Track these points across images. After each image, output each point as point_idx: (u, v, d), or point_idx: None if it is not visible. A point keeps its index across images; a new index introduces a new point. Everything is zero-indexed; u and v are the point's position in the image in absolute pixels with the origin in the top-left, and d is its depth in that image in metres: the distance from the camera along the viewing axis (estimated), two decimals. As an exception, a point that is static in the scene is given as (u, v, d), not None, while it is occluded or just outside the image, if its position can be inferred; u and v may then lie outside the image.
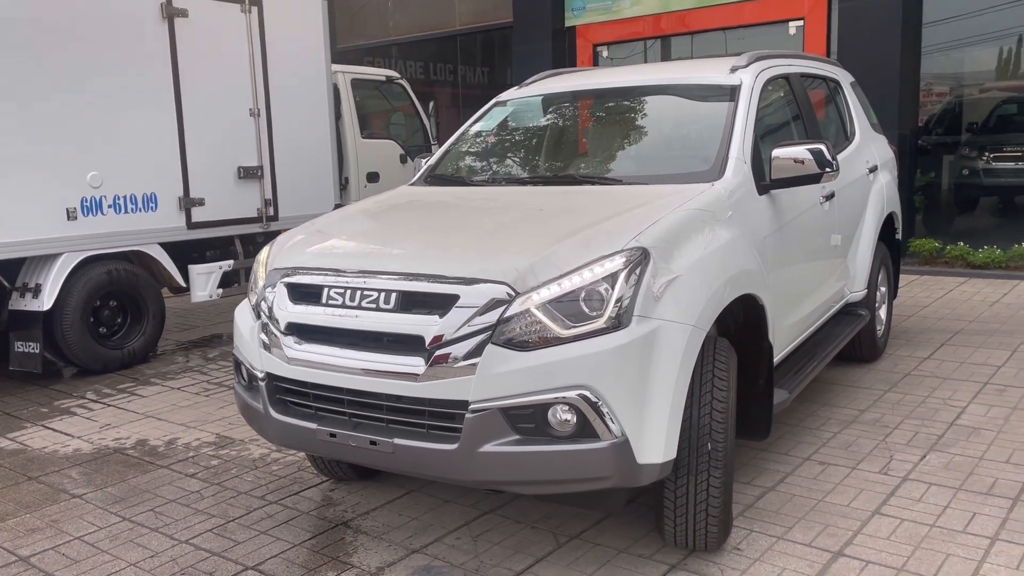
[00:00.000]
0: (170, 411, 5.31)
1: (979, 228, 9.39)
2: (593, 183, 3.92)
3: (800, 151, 3.68)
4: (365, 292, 3.00)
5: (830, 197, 4.53)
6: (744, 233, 3.47)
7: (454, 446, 2.80)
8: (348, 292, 3.04)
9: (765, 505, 3.62)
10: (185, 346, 7.09)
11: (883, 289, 5.72)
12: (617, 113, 4.50)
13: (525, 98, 4.80)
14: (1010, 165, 9.08)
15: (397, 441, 2.89)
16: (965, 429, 4.39)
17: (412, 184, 4.52)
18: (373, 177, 9.32)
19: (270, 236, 6.67)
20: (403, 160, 9.54)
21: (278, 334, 3.17)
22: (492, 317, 2.78)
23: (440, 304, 2.86)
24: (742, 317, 3.49)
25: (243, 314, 3.49)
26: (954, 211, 9.59)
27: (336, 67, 8.76)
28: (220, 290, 6.90)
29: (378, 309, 2.96)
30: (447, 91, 13.82)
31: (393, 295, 2.95)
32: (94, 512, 3.86)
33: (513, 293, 2.79)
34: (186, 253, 6.83)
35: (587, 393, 2.70)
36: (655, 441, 2.78)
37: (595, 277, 2.81)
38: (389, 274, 3.01)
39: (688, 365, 2.88)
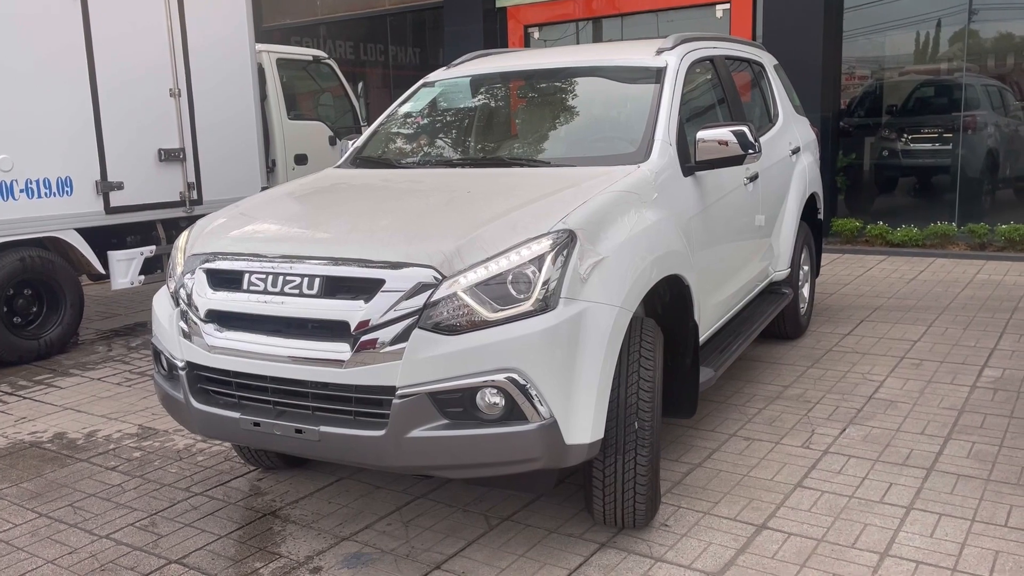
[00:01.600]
0: (90, 402, 5.13)
1: (898, 208, 9.72)
2: (521, 165, 3.91)
3: (724, 133, 3.72)
4: (288, 277, 2.94)
5: (754, 178, 4.61)
6: (670, 214, 3.51)
7: (382, 432, 2.77)
8: (270, 278, 2.98)
9: (692, 481, 3.68)
10: (106, 335, 6.86)
11: (806, 268, 5.87)
12: (544, 95, 4.49)
13: (453, 79, 4.75)
14: (927, 146, 9.40)
15: (323, 429, 2.85)
16: (883, 402, 4.54)
17: (338, 167, 4.43)
18: (301, 159, 9.13)
19: (194, 220, 6.45)
20: (332, 142, 9.37)
21: (198, 322, 3.09)
22: (419, 301, 2.75)
23: (365, 289, 2.82)
24: (668, 297, 3.53)
25: (162, 301, 3.39)
26: (874, 191, 9.90)
27: (261, 46, 8.53)
28: (142, 277, 6.68)
29: (301, 295, 2.90)
30: (377, 72, 13.62)
31: (317, 280, 2.89)
32: (9, 508, 3.71)
33: (440, 277, 2.77)
34: (105, 239, 6.58)
35: (515, 376, 2.70)
36: (583, 422, 2.80)
37: (522, 260, 2.80)
38: (313, 259, 2.95)
39: (615, 346, 2.90)
